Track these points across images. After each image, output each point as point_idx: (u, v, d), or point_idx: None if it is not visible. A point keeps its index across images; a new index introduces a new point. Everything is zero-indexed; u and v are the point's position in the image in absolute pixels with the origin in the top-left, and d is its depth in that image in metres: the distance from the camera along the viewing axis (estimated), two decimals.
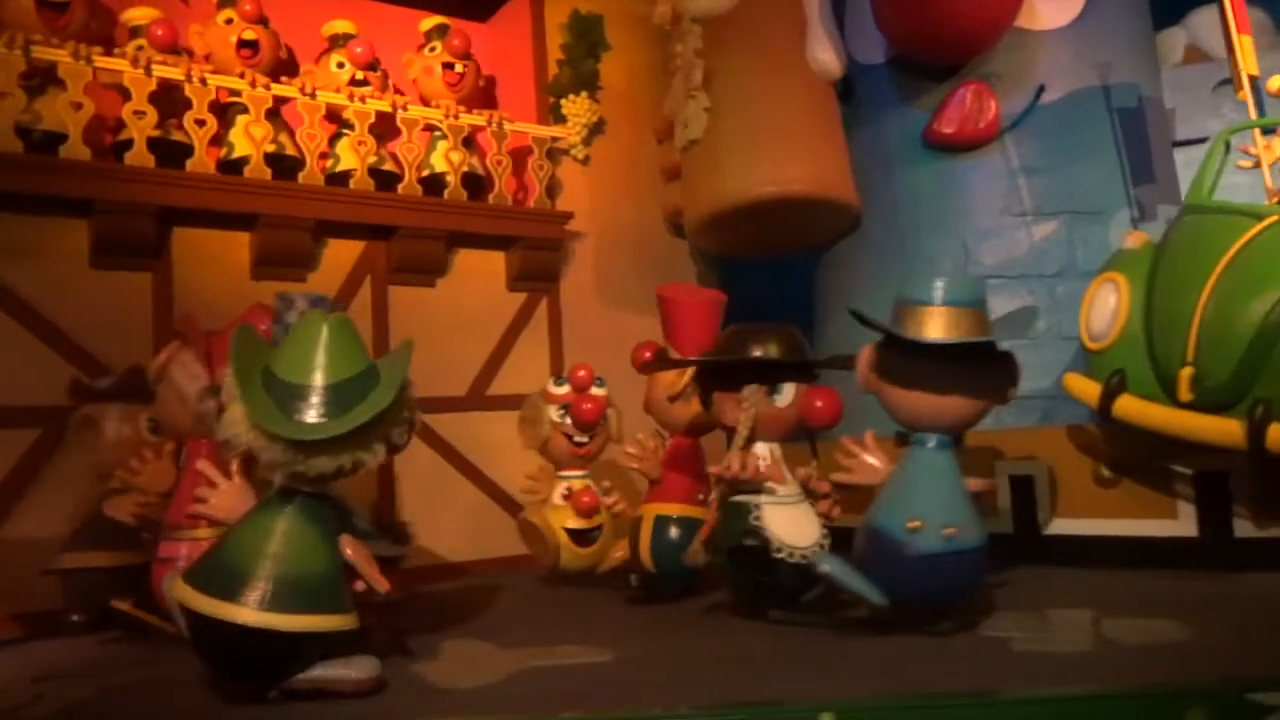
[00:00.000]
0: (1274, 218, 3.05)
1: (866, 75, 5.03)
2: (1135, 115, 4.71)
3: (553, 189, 5.27)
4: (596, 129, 5.50)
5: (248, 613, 2.22)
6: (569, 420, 3.98)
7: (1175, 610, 2.73)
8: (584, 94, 5.38)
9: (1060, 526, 3.75)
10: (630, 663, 2.55)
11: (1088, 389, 3.33)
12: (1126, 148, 4.64)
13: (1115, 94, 4.69)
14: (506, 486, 4.81)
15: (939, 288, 2.65)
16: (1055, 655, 2.30)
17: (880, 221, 4.96)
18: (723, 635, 2.86)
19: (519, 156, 5.11)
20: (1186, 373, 2.99)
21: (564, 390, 4.04)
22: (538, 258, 5.06)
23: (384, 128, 4.70)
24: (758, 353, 2.98)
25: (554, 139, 5.19)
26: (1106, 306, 3.26)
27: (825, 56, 4.79)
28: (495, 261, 5.04)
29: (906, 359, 2.66)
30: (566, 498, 3.99)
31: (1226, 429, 2.89)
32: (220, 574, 2.30)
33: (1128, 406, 3.17)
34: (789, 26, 4.86)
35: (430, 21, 4.87)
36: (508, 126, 4.95)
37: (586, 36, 5.49)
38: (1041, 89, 4.59)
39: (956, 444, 2.72)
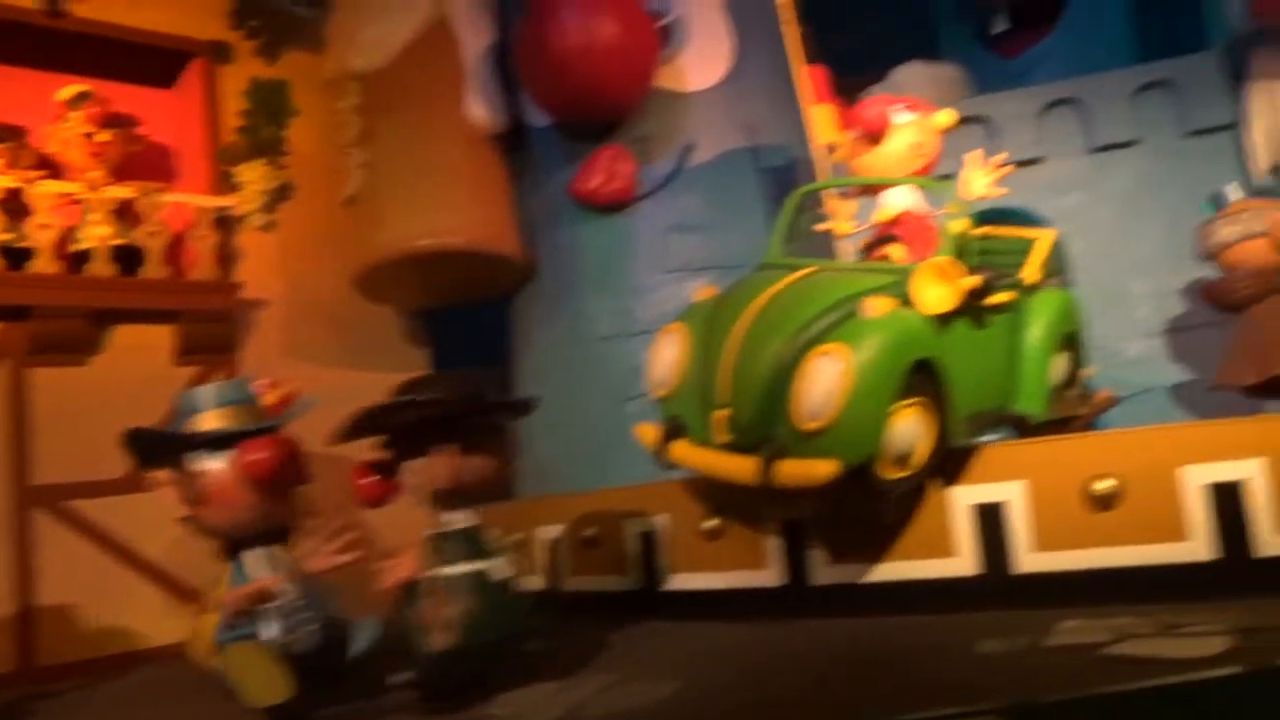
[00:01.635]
0: (807, 270, 3.22)
1: (537, 136, 5.12)
2: (784, 172, 4.90)
3: (231, 258, 5.16)
4: (283, 194, 5.42)
5: None
6: None
7: (698, 669, 2.79)
8: (262, 160, 5.30)
9: (676, 581, 3.81)
10: None
11: (651, 436, 3.39)
12: (776, 204, 4.82)
13: (764, 153, 4.88)
14: (173, 570, 4.62)
15: None
16: None
17: (551, 275, 5.04)
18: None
19: (190, 227, 4.98)
20: (721, 414, 3.08)
21: None
22: (206, 330, 4.92)
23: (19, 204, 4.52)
24: None
25: (222, 208, 5.08)
26: (666, 356, 3.34)
27: (478, 111, 4.86)
28: (159, 336, 4.87)
29: None
30: None
31: (750, 468, 2.98)
32: None
33: (680, 451, 3.25)
34: (447, 83, 4.92)
35: (70, 90, 4.69)
36: (163, 197, 4.81)
37: (268, 103, 5.42)
38: (688, 149, 4.75)
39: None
